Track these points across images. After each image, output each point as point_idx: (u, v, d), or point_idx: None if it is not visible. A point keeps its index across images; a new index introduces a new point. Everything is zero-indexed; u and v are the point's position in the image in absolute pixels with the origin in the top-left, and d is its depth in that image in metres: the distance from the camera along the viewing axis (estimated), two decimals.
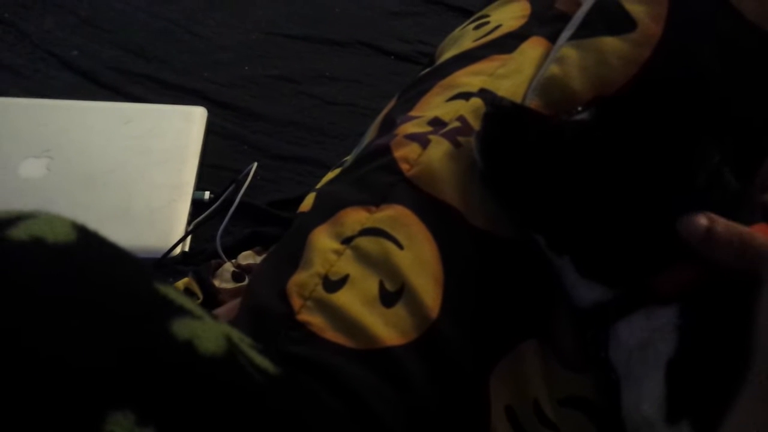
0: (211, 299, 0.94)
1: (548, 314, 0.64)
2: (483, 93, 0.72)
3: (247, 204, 1.11)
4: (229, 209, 1.07)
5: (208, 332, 0.43)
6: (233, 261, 1.00)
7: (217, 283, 0.97)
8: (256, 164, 1.14)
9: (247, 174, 1.13)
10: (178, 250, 1.04)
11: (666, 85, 0.66)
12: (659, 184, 0.57)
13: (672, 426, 0.53)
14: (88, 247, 0.43)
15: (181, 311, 0.43)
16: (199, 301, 0.92)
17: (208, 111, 1.23)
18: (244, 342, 0.48)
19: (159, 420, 0.39)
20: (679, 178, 0.57)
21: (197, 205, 1.11)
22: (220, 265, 1.00)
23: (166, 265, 1.03)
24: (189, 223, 1.09)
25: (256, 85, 1.31)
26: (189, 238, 1.07)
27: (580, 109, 0.63)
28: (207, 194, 1.13)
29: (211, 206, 1.11)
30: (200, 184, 1.13)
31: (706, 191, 0.57)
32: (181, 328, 0.42)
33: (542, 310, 0.64)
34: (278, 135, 1.24)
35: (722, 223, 0.53)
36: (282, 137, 1.23)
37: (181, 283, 0.97)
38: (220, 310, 0.78)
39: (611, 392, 0.60)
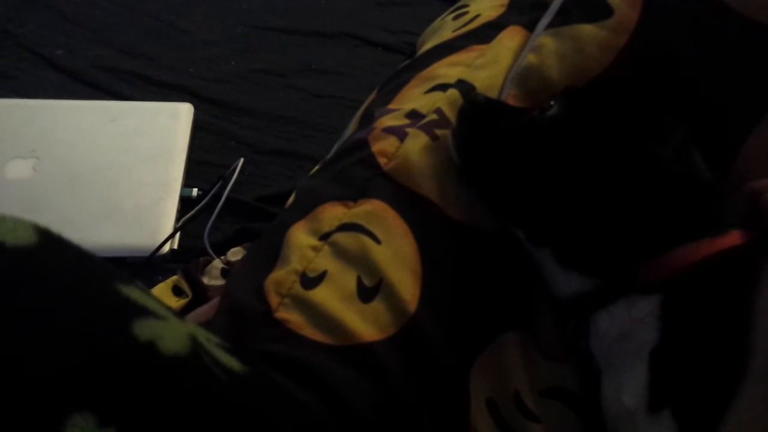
0: (200, 296, 0.93)
1: (529, 305, 0.64)
2: (460, 84, 0.72)
3: (235, 200, 1.11)
4: (217, 206, 1.07)
5: (172, 332, 0.43)
6: (222, 258, 0.99)
7: (206, 280, 0.97)
8: (242, 160, 1.13)
9: (234, 170, 1.12)
10: (166, 247, 1.04)
11: (635, 72, 0.66)
12: (628, 168, 0.57)
13: (653, 415, 0.53)
14: (49, 250, 0.43)
15: (144, 312, 0.43)
16: (188, 298, 0.92)
17: (195, 107, 1.22)
18: (210, 341, 0.48)
19: (120, 421, 0.39)
20: (646, 160, 0.57)
21: (185, 202, 1.11)
22: (209, 262, 1.00)
23: (155, 263, 1.02)
24: (177, 220, 1.08)
25: (242, 79, 1.31)
26: (178, 236, 1.07)
27: (552, 103, 0.63)
28: (195, 191, 1.12)
29: (199, 203, 1.10)
30: (188, 181, 1.12)
31: (673, 167, 0.57)
32: (143, 328, 0.42)
33: (522, 301, 0.64)
34: (265, 129, 1.23)
35: None
36: (269, 132, 1.23)
37: (169, 281, 0.97)
38: (199, 310, 0.78)
39: (592, 382, 0.60)
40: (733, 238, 0.55)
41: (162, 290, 0.96)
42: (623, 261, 0.57)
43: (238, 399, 0.46)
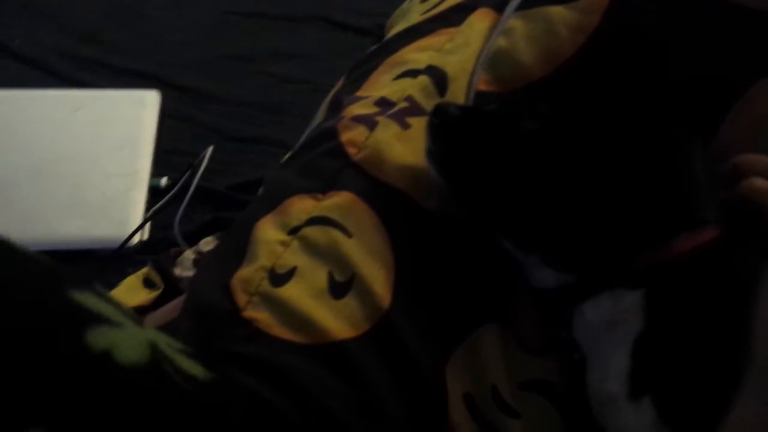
0: (172, 288, 0.92)
1: (506, 297, 0.63)
2: (430, 70, 0.70)
3: (206, 189, 1.09)
4: (186, 195, 1.06)
5: (128, 340, 0.42)
6: (194, 248, 0.98)
7: (177, 271, 0.95)
8: (212, 147, 1.12)
9: (204, 158, 1.10)
10: (136, 239, 1.03)
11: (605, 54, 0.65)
12: (615, 174, 0.57)
13: (634, 401, 0.54)
14: None
15: (98, 319, 0.42)
16: (159, 290, 0.90)
17: (162, 94, 1.20)
18: (171, 347, 0.46)
19: None
20: (631, 160, 0.57)
21: (154, 192, 1.09)
22: (180, 252, 0.98)
23: (125, 254, 1.01)
24: (147, 210, 1.07)
25: (210, 65, 1.29)
26: (148, 227, 1.06)
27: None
28: (164, 180, 1.11)
29: (169, 192, 1.08)
30: (157, 171, 1.11)
31: (658, 169, 0.57)
32: (97, 338, 0.41)
33: (500, 293, 0.63)
34: (235, 116, 1.22)
35: None
36: (239, 118, 1.21)
37: (141, 273, 0.95)
38: (163, 309, 0.76)
39: (574, 373, 0.59)
40: (711, 232, 0.56)
41: (133, 282, 0.94)
42: (610, 259, 0.58)
43: (200, 408, 0.45)
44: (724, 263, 0.54)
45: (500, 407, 0.59)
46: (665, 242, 0.56)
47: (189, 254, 0.97)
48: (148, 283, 0.93)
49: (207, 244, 1.00)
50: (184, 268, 0.97)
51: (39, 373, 0.38)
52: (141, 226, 1.03)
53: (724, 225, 0.56)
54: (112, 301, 0.45)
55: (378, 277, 0.59)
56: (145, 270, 0.95)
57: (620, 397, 0.54)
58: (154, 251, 1.01)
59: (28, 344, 0.38)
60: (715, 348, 0.51)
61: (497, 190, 0.60)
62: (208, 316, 0.60)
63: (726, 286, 0.53)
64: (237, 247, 0.64)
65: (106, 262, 0.98)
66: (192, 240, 1.00)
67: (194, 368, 0.46)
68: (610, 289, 0.57)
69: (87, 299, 0.42)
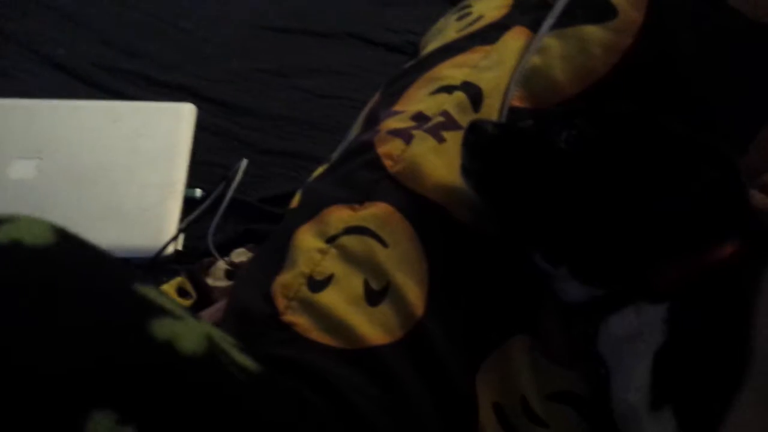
0: (205, 298, 0.93)
1: (536, 309, 0.64)
2: (466, 86, 0.71)
3: (239, 201, 1.10)
4: (220, 207, 1.07)
5: (189, 332, 0.44)
6: (226, 259, 0.99)
7: (210, 281, 0.97)
8: (246, 161, 1.13)
9: (238, 170, 1.12)
10: (170, 248, 1.04)
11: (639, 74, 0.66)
12: (646, 191, 0.59)
13: (655, 412, 0.54)
14: (67, 249, 0.44)
15: (162, 312, 0.44)
16: (193, 299, 0.92)
17: (197, 107, 1.21)
18: (225, 341, 0.48)
19: (139, 419, 0.39)
20: (667, 181, 0.58)
21: (189, 203, 1.10)
22: (213, 263, 0.99)
23: (158, 264, 1.02)
24: (181, 221, 1.08)
25: (245, 79, 1.30)
26: (181, 237, 1.06)
27: (566, 122, 0.62)
28: (198, 191, 1.12)
29: (203, 204, 1.10)
30: (191, 182, 1.12)
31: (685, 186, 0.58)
32: (161, 328, 0.43)
33: (529, 305, 0.64)
34: (268, 130, 1.23)
35: None
36: (272, 132, 1.22)
37: (174, 282, 0.97)
38: (205, 312, 0.78)
39: (600, 385, 0.60)
40: (734, 246, 0.57)
41: (167, 291, 0.96)
42: (637, 273, 0.59)
43: (256, 398, 0.47)
44: (745, 278, 0.55)
45: (529, 417, 0.60)
46: (689, 257, 0.57)
47: (221, 265, 0.99)
48: (181, 292, 0.95)
49: (239, 255, 1.02)
50: (216, 278, 0.98)
51: (108, 358, 0.40)
52: (175, 237, 1.04)
53: (749, 241, 0.57)
54: (169, 297, 0.47)
55: (412, 287, 0.61)
56: (179, 279, 0.96)
57: (642, 407, 0.55)
58: (187, 261, 1.02)
59: (100, 331, 0.41)
60: (734, 360, 0.52)
61: (531, 205, 0.62)
62: (250, 318, 0.61)
63: (745, 300, 0.53)
64: (277, 254, 0.66)
65: (141, 271, 0.99)
66: (224, 251, 1.01)
67: (246, 361, 0.48)
68: (635, 304, 0.58)
69: (150, 293, 0.45)
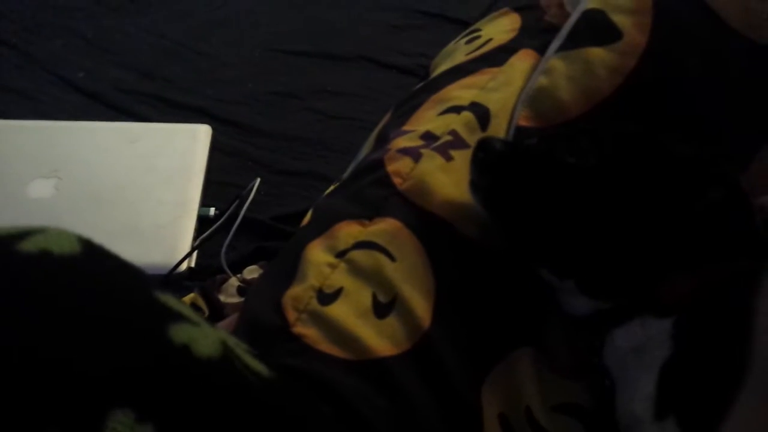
0: (217, 314, 0.95)
1: (541, 322, 0.65)
2: (474, 107, 0.73)
3: (251, 219, 1.12)
4: (233, 225, 1.09)
5: (205, 337, 0.45)
6: (238, 276, 1.01)
7: (222, 297, 0.98)
8: (259, 180, 1.15)
9: (251, 189, 1.14)
10: (184, 265, 1.05)
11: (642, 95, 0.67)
12: (656, 207, 0.60)
13: (659, 422, 0.55)
14: (92, 258, 0.45)
15: (179, 317, 0.45)
16: (205, 315, 0.93)
17: (213, 128, 1.23)
18: (239, 347, 0.50)
19: (157, 418, 0.41)
20: (673, 199, 0.60)
21: (203, 222, 1.12)
22: (225, 280, 1.01)
23: (172, 281, 1.04)
24: (195, 239, 1.09)
25: (259, 101, 1.32)
26: (195, 254, 1.08)
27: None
28: (212, 210, 1.14)
29: (217, 222, 1.12)
30: (205, 201, 1.14)
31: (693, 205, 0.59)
32: (179, 333, 0.44)
33: (535, 318, 0.65)
34: (282, 150, 1.24)
35: None
36: (285, 152, 1.24)
37: (187, 299, 0.98)
38: (219, 325, 0.79)
39: (605, 397, 0.61)
40: (738, 263, 0.58)
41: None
42: (644, 288, 0.60)
43: (270, 401, 0.48)
44: (749, 292, 0.56)
45: (534, 428, 0.61)
46: (696, 273, 0.58)
47: (233, 281, 1.01)
48: (194, 308, 0.96)
49: (251, 272, 1.03)
50: (229, 295, 1.00)
51: (129, 359, 0.42)
52: (189, 254, 1.06)
53: (754, 256, 0.58)
54: (186, 305, 0.49)
55: (419, 299, 0.62)
56: (192, 295, 0.98)
57: (646, 418, 0.56)
58: (200, 278, 1.03)
59: (122, 334, 0.43)
60: (735, 364, 0.52)
61: (539, 220, 0.63)
62: (261, 330, 0.63)
63: (748, 314, 0.54)
64: (288, 267, 0.67)
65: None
66: (236, 268, 1.03)
67: (259, 366, 0.50)
68: (641, 317, 0.59)
69: (169, 300, 0.47)
